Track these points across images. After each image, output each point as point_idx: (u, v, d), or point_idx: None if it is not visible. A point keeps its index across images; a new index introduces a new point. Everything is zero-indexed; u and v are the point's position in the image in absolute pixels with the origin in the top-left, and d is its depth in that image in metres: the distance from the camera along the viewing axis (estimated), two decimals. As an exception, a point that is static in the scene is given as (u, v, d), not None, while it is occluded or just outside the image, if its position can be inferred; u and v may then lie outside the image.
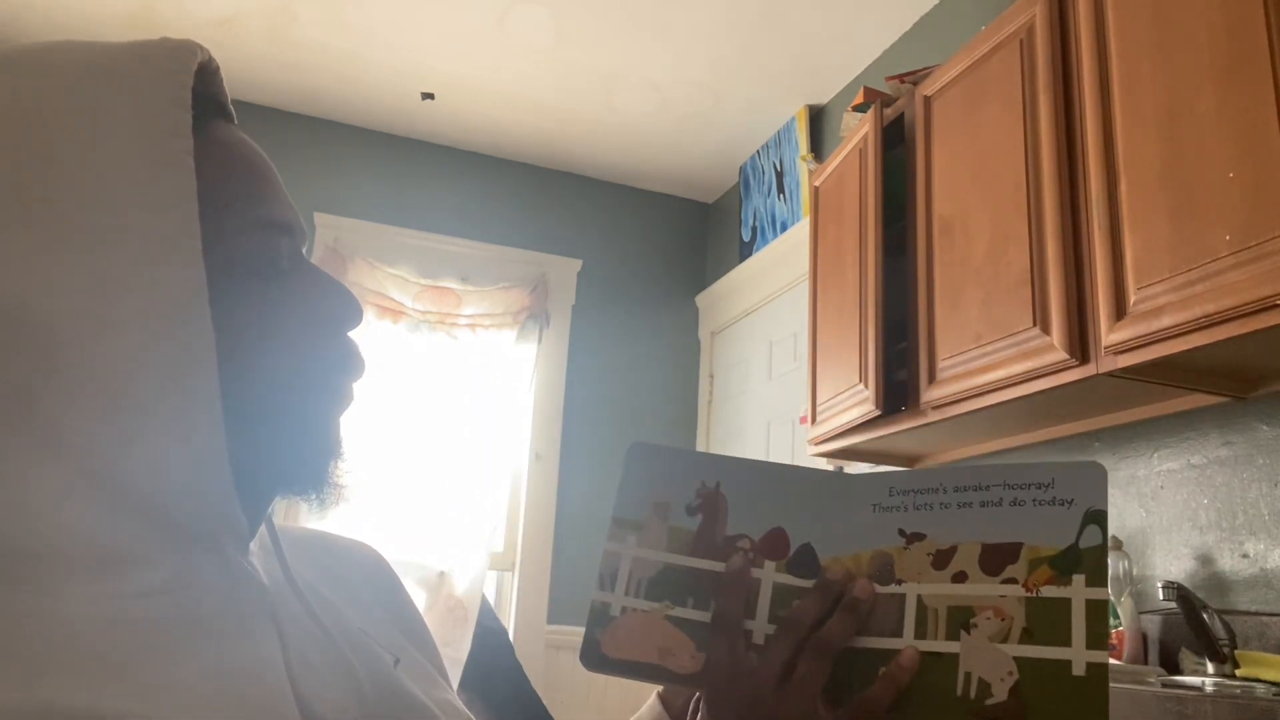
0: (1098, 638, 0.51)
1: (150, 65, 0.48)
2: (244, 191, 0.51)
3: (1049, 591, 0.53)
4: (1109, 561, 1.57)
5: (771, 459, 3.34)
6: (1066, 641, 0.51)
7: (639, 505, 0.61)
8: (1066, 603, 0.52)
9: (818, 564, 0.58)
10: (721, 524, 0.60)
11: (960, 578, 0.55)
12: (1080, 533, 0.53)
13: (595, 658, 0.58)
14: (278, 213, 0.53)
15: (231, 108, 0.55)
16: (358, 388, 0.56)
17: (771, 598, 0.58)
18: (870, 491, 0.59)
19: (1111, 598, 1.79)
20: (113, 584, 0.43)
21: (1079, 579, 0.52)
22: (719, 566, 0.59)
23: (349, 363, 0.54)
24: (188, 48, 0.49)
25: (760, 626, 0.58)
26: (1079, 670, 0.51)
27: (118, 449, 0.44)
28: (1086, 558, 0.52)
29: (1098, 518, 0.52)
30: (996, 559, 0.54)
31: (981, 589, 0.54)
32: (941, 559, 0.56)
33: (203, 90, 0.52)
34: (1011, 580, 0.53)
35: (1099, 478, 0.53)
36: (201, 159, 0.48)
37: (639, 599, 0.59)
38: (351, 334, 0.55)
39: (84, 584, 0.43)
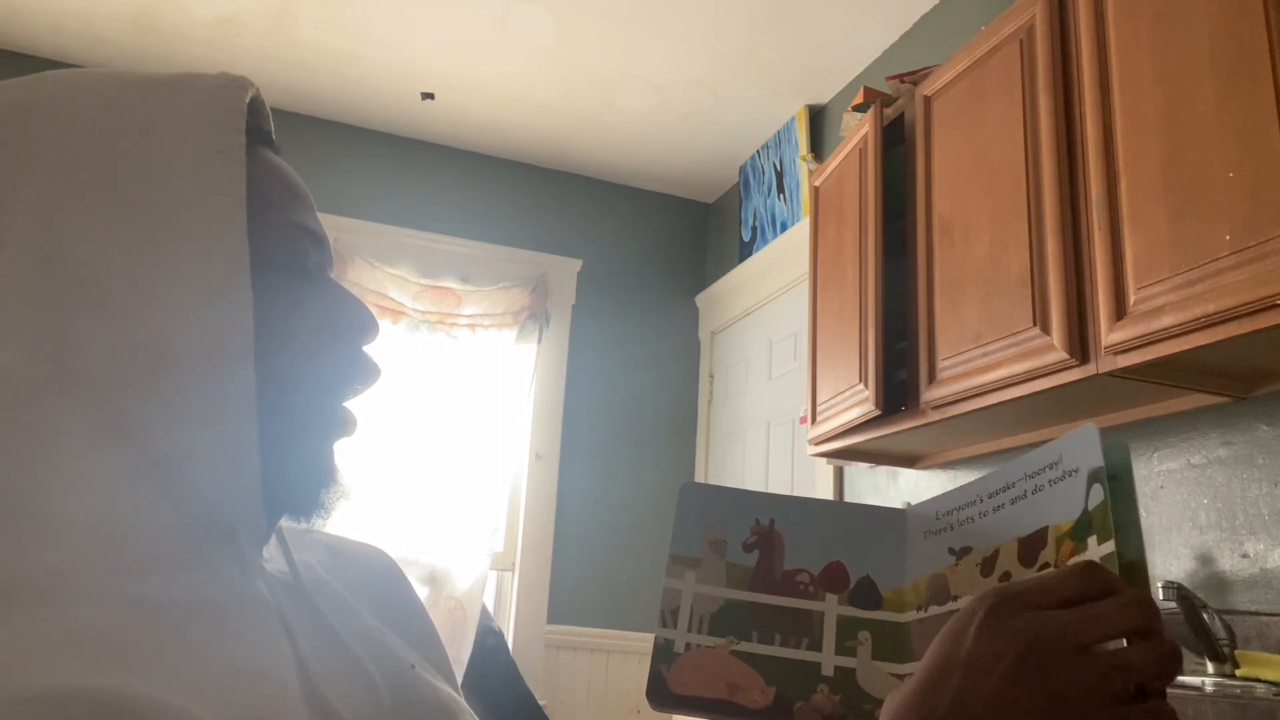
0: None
1: (209, 81, 0.53)
2: (283, 198, 0.55)
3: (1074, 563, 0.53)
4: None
5: (772, 459, 3.35)
6: None
7: (694, 543, 0.62)
8: None
9: (879, 595, 0.59)
10: (779, 560, 0.61)
11: (1005, 578, 0.55)
12: (1087, 496, 0.53)
13: (663, 695, 0.58)
14: (311, 223, 0.56)
15: (275, 141, 0.59)
16: (361, 400, 0.57)
17: (837, 630, 0.59)
18: (920, 521, 0.61)
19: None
20: (128, 558, 0.44)
21: (1092, 540, 0.52)
22: (781, 601, 0.60)
23: (360, 366, 0.56)
24: (242, 79, 0.55)
25: (828, 659, 0.58)
26: None
27: (156, 416, 0.46)
28: (1094, 517, 0.52)
29: (1097, 474, 0.52)
30: (1030, 550, 0.55)
31: None
32: (988, 566, 0.56)
33: (252, 121, 0.56)
34: (1045, 565, 0.54)
35: (1090, 437, 0.54)
36: (248, 164, 0.52)
37: (703, 634, 0.59)
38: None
39: (97, 555, 0.43)
